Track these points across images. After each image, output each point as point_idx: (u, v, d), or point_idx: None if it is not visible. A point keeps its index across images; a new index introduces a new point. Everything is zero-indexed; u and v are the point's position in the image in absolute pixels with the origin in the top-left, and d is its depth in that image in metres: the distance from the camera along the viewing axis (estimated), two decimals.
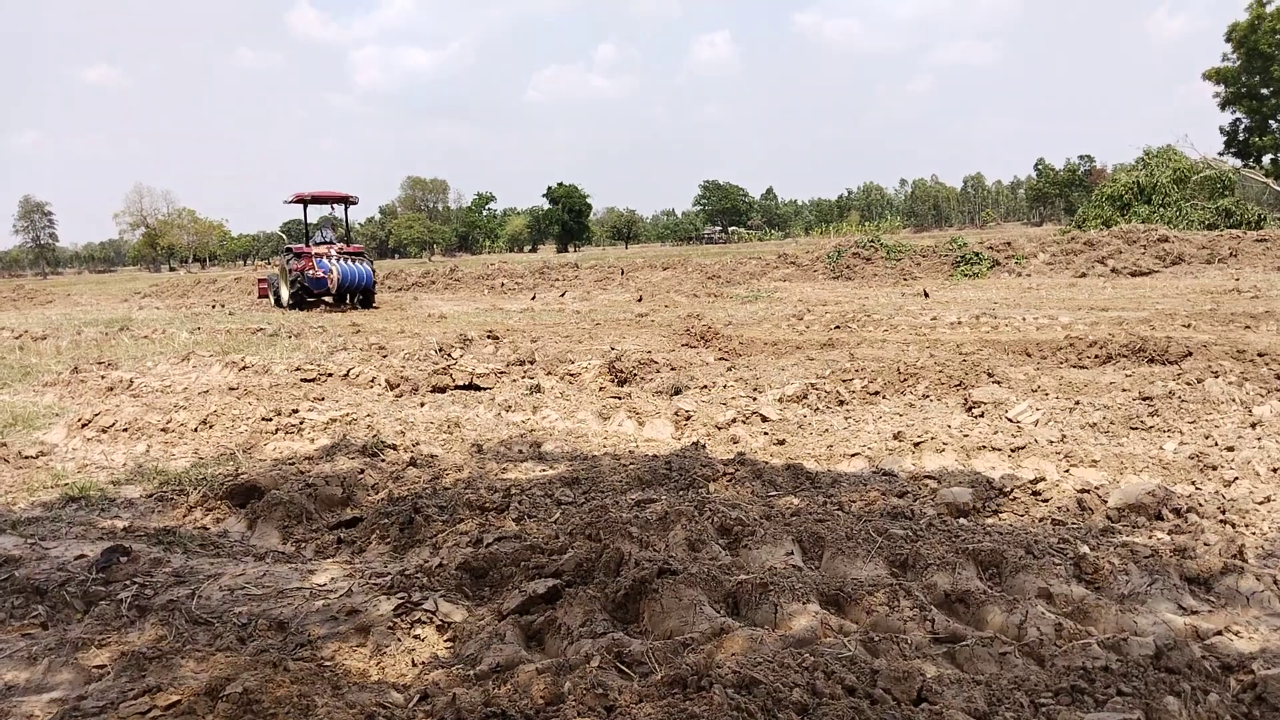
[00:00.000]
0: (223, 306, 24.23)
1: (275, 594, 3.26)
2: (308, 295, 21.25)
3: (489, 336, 11.88)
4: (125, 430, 6.52)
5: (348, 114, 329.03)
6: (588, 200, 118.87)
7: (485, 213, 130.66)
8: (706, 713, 2.14)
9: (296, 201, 22.89)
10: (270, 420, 6.49)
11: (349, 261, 21.04)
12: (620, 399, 7.12)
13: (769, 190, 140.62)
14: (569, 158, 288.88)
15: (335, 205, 24.08)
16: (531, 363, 9.07)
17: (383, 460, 5.42)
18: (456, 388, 8.03)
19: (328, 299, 21.34)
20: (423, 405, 7.29)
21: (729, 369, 8.54)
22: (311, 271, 20.86)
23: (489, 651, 2.70)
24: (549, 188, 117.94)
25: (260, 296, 26.43)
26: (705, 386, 7.50)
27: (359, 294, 21.28)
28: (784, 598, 2.91)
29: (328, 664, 2.71)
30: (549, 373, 8.50)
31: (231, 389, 8.21)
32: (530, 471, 5.17)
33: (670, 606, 2.89)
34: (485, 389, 7.97)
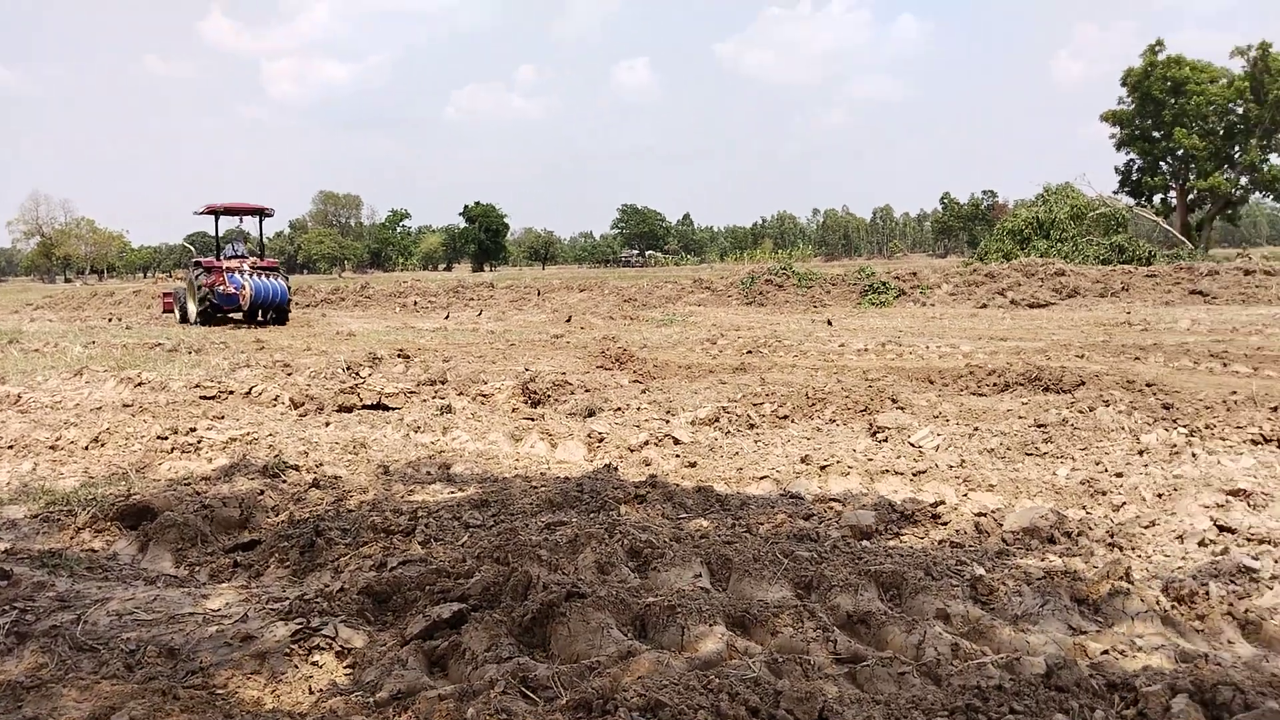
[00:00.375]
0: (120, 320, 23.31)
1: (166, 619, 3.14)
2: (217, 312, 20.39)
3: (399, 355, 11.69)
4: (10, 448, 6.20)
5: (259, 126, 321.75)
6: (505, 220, 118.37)
7: (399, 230, 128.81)
8: None
9: (208, 213, 21.94)
10: (166, 439, 6.26)
11: (263, 277, 20.26)
12: (533, 420, 7.08)
13: (686, 216, 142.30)
14: (487, 177, 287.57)
15: (248, 218, 23.23)
16: (443, 383, 8.95)
17: (284, 481, 5.28)
18: (364, 407, 7.87)
19: (236, 316, 20.50)
20: (328, 425, 7.13)
21: (643, 391, 8.57)
22: (222, 287, 20.00)
23: (390, 678, 2.64)
24: (466, 206, 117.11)
25: (165, 311, 25.07)
26: (619, 409, 7.51)
27: (272, 311, 20.46)
28: (691, 620, 2.93)
29: (220, 692, 2.61)
30: (461, 393, 8.40)
31: (126, 406, 7.89)
32: (438, 494, 5.09)
33: (578, 630, 2.87)
34: (394, 409, 7.83)
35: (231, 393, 8.58)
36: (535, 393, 8.14)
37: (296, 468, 5.55)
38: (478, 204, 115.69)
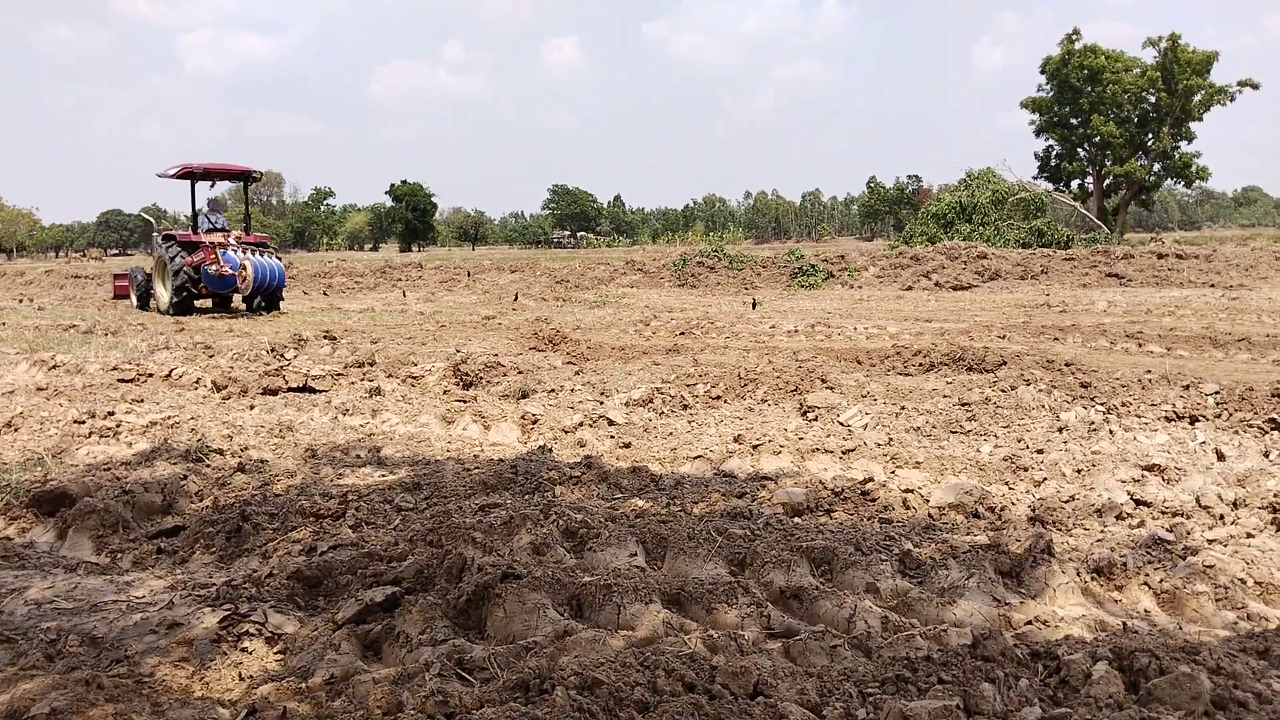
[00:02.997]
0: (31, 301, 22.40)
1: (88, 608, 3.04)
2: (198, 298, 17.23)
3: (326, 337, 11.46)
4: None
5: (176, 99, 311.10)
6: (433, 199, 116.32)
7: (323, 208, 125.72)
8: (549, 715, 2.13)
9: (181, 176, 18.03)
10: (83, 423, 6.05)
11: (257, 254, 17.11)
12: (465, 402, 7.01)
13: (617, 197, 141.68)
14: (414, 155, 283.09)
15: (229, 182, 19.63)
16: (371, 364, 8.81)
17: (208, 466, 5.14)
18: (290, 390, 7.71)
19: (238, 302, 17.58)
20: (252, 408, 6.96)
21: (576, 373, 8.56)
22: (216, 267, 16.55)
23: (323, 663, 2.60)
24: (392, 185, 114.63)
25: (118, 296, 21.40)
26: (553, 390, 7.48)
27: (266, 295, 17.25)
28: (627, 598, 2.94)
29: (147, 681, 2.54)
30: (390, 375, 8.28)
31: (40, 389, 7.60)
32: (369, 477, 5.02)
33: (514, 611, 2.87)
34: (321, 391, 7.68)
35: (151, 375, 8.33)
36: (467, 374, 8.06)
37: (220, 452, 5.41)
38: (404, 182, 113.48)
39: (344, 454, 5.51)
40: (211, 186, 18.91)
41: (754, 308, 16.57)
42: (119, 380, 8.11)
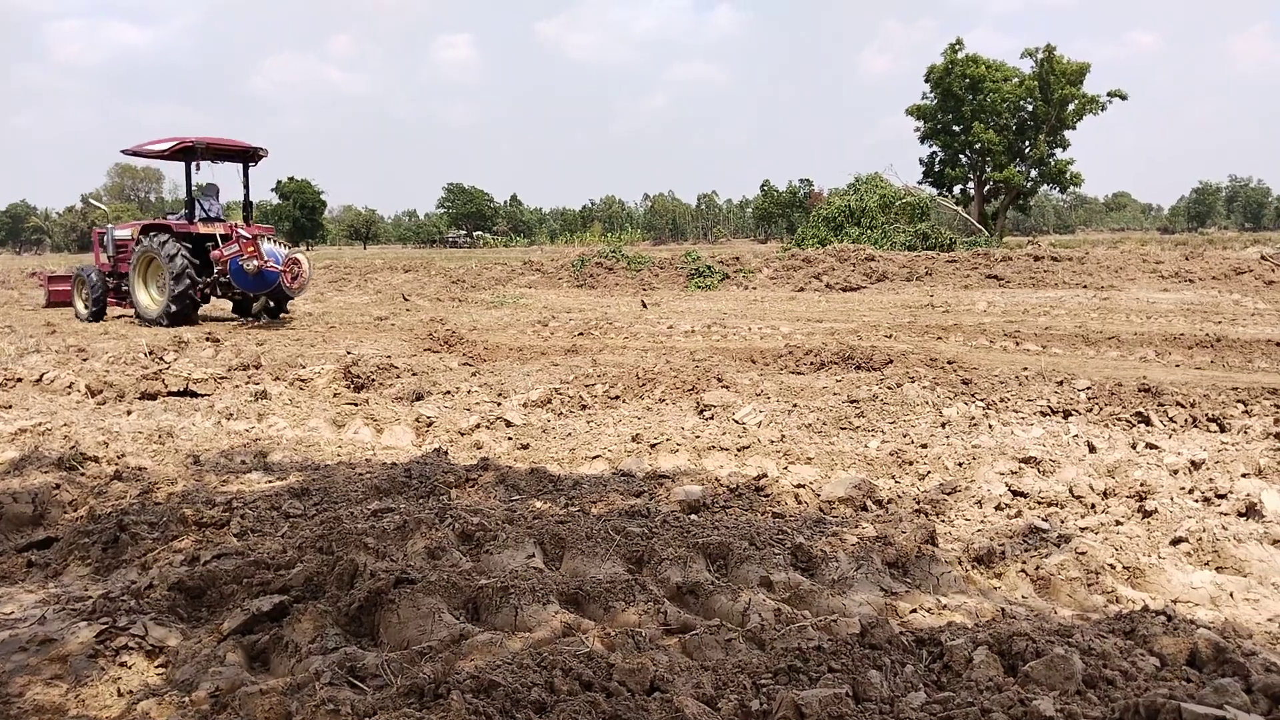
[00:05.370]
0: None
1: None
2: (197, 303, 14.67)
3: (208, 339, 11.05)
4: None
5: (44, 89, 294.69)
6: (322, 197, 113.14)
7: (83, 209, 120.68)
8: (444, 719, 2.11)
9: (175, 153, 14.85)
10: None
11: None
12: (357, 405, 6.86)
13: (514, 196, 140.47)
14: (301, 151, 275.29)
15: (224, 163, 15.86)
16: (257, 367, 8.53)
17: (83, 474, 4.89)
18: (170, 394, 7.40)
19: (266, 307, 15.03)
20: (130, 413, 6.66)
21: (473, 374, 8.46)
22: (253, 262, 13.76)
23: (206, 676, 2.51)
24: (279, 181, 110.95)
25: (54, 304, 18.00)
26: (448, 392, 7.38)
27: (276, 295, 14.96)
28: (524, 600, 2.93)
29: (17, 700, 2.41)
30: (277, 378, 8.03)
31: None
32: (255, 483, 4.86)
33: (408, 616, 2.82)
34: (203, 395, 7.40)
35: (20, 380, 7.88)
36: (358, 377, 7.88)
37: (96, 459, 5.15)
38: (292, 179, 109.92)
39: (228, 460, 5.32)
40: (197, 170, 15.30)
41: (644, 307, 16.67)
42: None
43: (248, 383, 7.77)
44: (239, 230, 14.45)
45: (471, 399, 7.10)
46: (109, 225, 16.33)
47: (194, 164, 15.05)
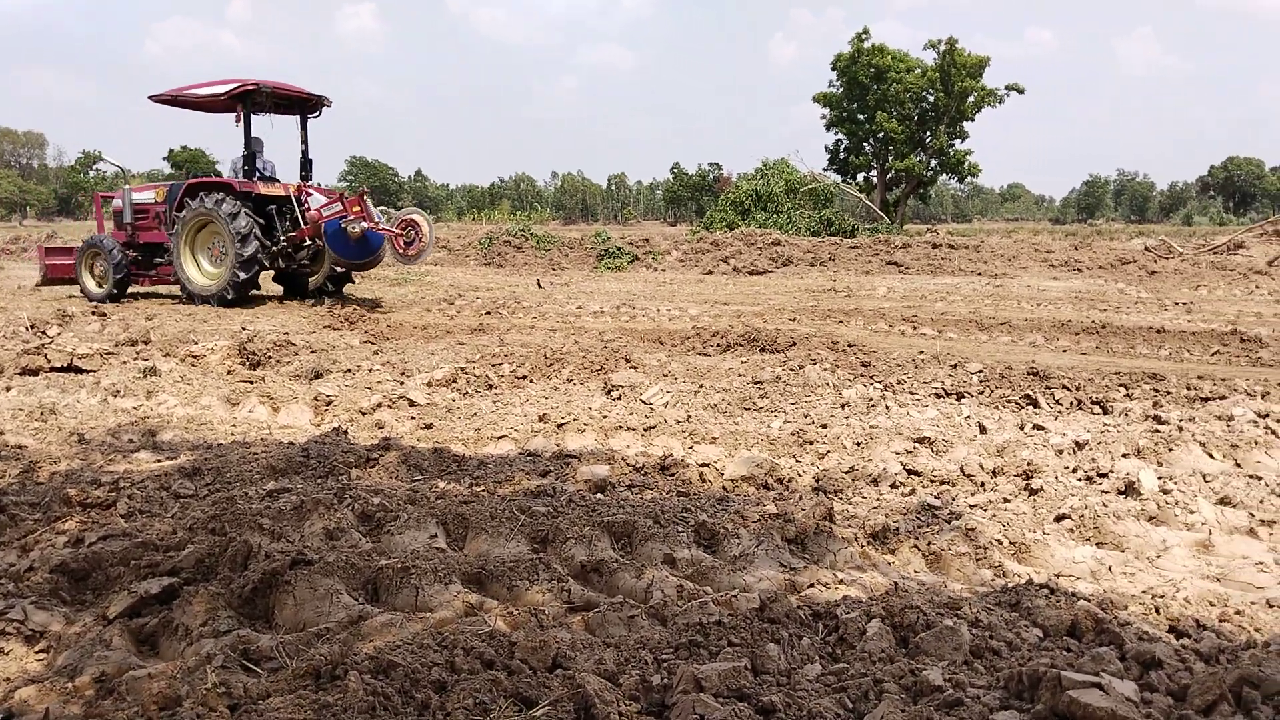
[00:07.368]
0: None
1: None
2: (278, 270, 13.32)
3: (95, 313, 10.55)
4: None
5: None
6: (216, 167, 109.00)
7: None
8: (341, 701, 2.07)
9: (228, 102, 12.93)
10: None
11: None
12: (252, 383, 6.65)
13: (419, 172, 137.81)
14: (195, 120, 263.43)
15: (281, 115, 13.90)
16: (146, 343, 8.19)
17: None
18: (53, 370, 7.04)
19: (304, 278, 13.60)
20: (9, 389, 6.32)
21: (375, 352, 8.29)
22: (360, 224, 12.00)
23: (91, 661, 2.41)
24: (171, 150, 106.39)
25: (51, 280, 14.97)
26: (349, 370, 7.22)
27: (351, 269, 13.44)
28: (426, 580, 2.89)
29: None
30: (167, 354, 7.72)
31: None
32: (144, 463, 4.68)
33: (304, 598, 2.76)
34: (89, 371, 7.06)
35: None
36: (254, 353, 7.64)
37: None
38: (185, 148, 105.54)
39: (115, 438, 5.10)
40: (258, 118, 13.05)
41: (539, 287, 16.58)
42: None
43: (136, 359, 7.45)
44: (242, 184, 12.66)
45: (373, 377, 6.95)
46: (126, 187, 14.27)
47: (252, 113, 13.02)
